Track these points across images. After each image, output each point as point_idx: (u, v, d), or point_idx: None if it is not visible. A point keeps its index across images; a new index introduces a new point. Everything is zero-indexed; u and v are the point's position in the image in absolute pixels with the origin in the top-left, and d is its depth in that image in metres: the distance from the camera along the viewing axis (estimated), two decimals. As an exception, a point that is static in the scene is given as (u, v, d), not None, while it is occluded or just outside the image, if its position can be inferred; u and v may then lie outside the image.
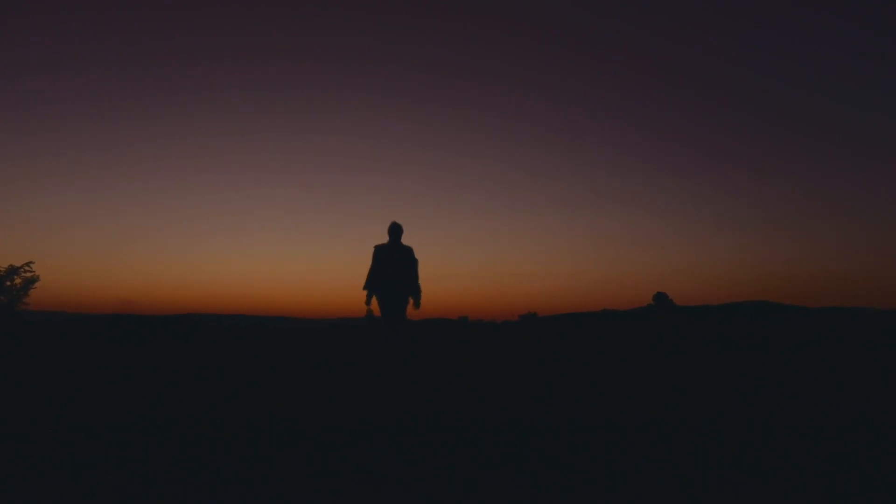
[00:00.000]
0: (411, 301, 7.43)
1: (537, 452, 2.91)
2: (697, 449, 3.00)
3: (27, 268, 21.56)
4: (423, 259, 7.84)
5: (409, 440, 3.16)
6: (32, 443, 3.29)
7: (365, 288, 7.38)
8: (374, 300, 7.44)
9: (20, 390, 5.48)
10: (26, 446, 3.20)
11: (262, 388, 5.44)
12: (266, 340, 14.34)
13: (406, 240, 7.79)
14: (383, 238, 7.76)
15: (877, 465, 2.74)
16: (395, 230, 7.64)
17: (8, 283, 21.16)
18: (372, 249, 7.57)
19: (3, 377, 6.63)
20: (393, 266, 7.33)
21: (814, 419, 3.81)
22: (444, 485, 2.43)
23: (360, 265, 7.68)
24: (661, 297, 38.48)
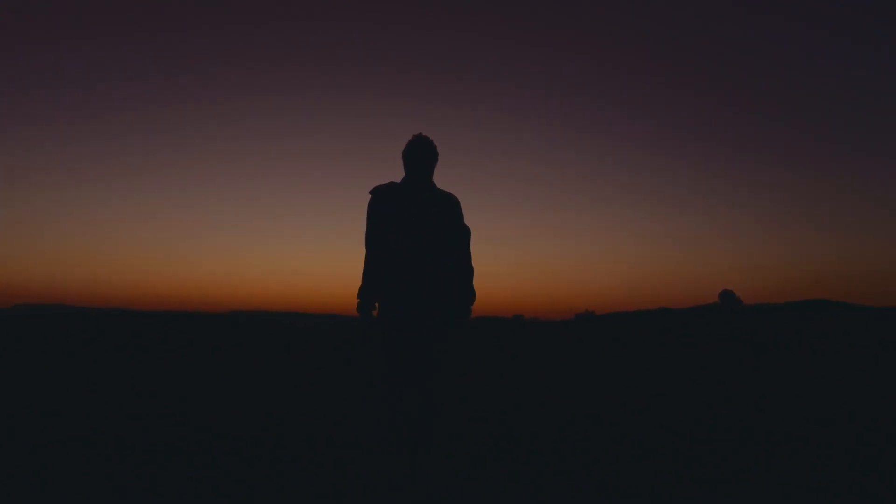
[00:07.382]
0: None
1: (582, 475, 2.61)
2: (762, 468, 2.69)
3: None
4: (476, 255, 2.96)
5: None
6: (35, 444, 3.17)
7: (360, 295, 2.70)
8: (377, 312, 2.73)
9: (21, 391, 5.32)
10: (29, 448, 3.07)
11: (263, 393, 5.25)
12: (273, 344, 14.24)
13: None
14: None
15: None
16: (418, 152, 2.73)
17: None
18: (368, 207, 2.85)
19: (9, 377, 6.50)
20: (412, 239, 2.65)
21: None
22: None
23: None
24: (727, 296, 35.04)
